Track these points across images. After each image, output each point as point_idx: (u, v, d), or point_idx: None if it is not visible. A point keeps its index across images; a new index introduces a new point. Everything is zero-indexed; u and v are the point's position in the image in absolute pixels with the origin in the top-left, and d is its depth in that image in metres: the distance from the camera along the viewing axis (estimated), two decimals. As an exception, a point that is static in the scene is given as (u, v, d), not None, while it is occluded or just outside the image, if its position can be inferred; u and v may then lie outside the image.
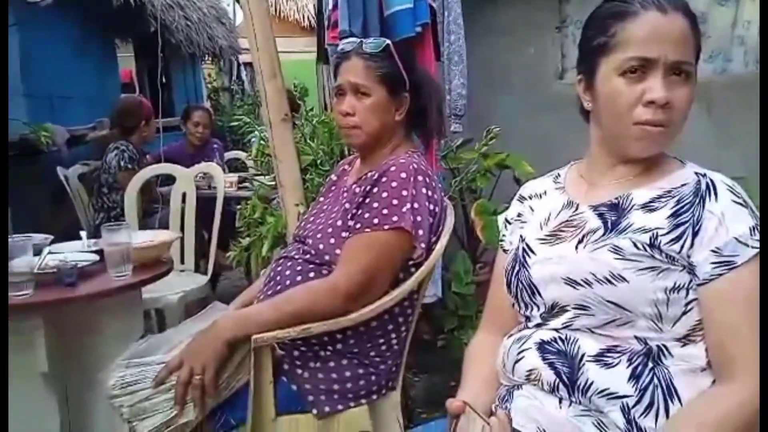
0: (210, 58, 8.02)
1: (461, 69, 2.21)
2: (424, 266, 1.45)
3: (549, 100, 3.16)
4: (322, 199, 1.71)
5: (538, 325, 1.05)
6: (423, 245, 1.44)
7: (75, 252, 2.08)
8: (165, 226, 3.12)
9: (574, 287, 0.99)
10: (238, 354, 1.37)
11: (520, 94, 3.17)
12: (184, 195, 3.10)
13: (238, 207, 2.61)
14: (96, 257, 1.92)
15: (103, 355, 1.94)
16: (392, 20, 2.10)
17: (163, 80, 5.53)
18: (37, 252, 1.92)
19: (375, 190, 1.44)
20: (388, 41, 1.56)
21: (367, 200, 1.45)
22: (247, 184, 3.88)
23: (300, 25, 12.16)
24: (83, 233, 2.31)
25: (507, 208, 2.30)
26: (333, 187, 1.71)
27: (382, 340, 1.49)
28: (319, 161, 2.22)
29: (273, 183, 2.52)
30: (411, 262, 1.46)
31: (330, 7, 2.14)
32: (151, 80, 6.81)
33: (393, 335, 1.51)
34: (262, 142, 2.43)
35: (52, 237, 2.17)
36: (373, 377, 1.47)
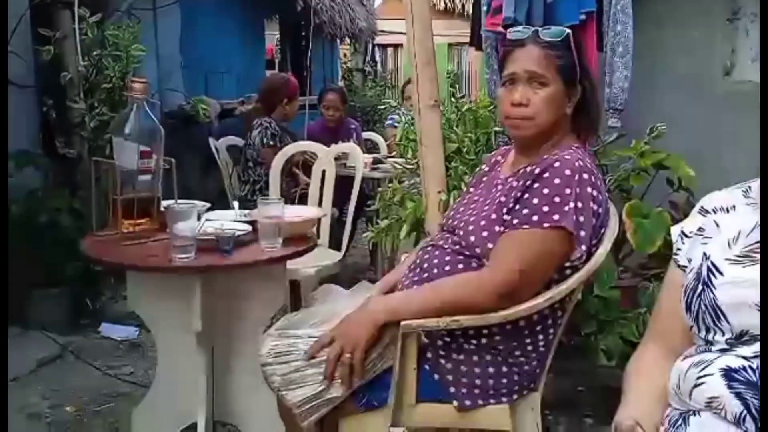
0: (348, 40, 8.17)
1: (625, 60, 2.09)
2: (583, 271, 1.39)
3: (715, 98, 2.93)
4: (472, 189, 1.68)
5: (722, 351, 0.96)
6: (584, 248, 1.38)
7: (229, 221, 2.20)
8: (303, 201, 3.24)
9: None
10: (386, 337, 1.39)
11: (683, 89, 2.95)
12: (323, 173, 3.20)
13: (379, 189, 2.64)
14: (249, 228, 2.01)
15: (249, 320, 2.06)
16: (555, 6, 2.02)
17: (309, 60, 5.73)
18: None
19: (536, 185, 1.39)
20: (569, 30, 1.49)
21: (526, 195, 1.40)
22: (380, 165, 3.95)
23: (435, 7, 12.12)
24: (235, 203, 2.44)
25: (660, 211, 2.16)
26: (484, 178, 1.67)
27: (528, 340, 1.45)
28: (465, 149, 2.19)
29: (411, 167, 2.53)
30: (567, 264, 1.40)
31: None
32: (293, 58, 7.06)
33: (540, 336, 1.46)
34: (407, 126, 2.43)
35: (209, 204, 2.30)
36: (516, 376, 1.44)
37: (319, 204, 3.12)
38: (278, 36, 7.70)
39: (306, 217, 2.15)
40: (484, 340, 1.43)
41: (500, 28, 2.01)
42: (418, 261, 1.58)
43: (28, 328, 2.86)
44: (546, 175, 1.39)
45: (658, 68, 2.88)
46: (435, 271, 1.50)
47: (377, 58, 10.89)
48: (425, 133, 2.22)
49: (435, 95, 2.21)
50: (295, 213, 2.16)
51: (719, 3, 2.93)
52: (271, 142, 3.70)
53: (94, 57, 3.08)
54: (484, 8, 2.16)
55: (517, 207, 1.41)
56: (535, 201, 1.38)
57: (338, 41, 8.23)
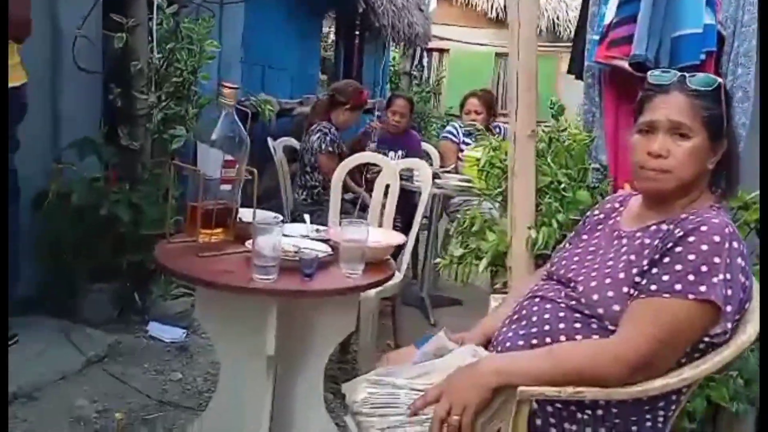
0: (404, 44, 8.06)
1: (745, 107, 1.94)
2: (728, 352, 1.25)
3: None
4: (585, 237, 1.55)
5: None
6: (728, 325, 1.24)
7: (303, 236, 2.10)
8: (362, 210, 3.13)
9: None
10: (497, 400, 1.27)
11: None
12: (387, 187, 3.08)
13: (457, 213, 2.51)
14: (330, 250, 1.90)
15: (316, 345, 1.94)
16: (677, 43, 1.88)
17: (362, 61, 5.64)
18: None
19: (678, 249, 1.26)
20: (719, 80, 1.37)
21: (666, 259, 1.27)
22: (436, 181, 3.82)
23: (487, 16, 11.95)
24: (306, 217, 2.34)
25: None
26: (599, 226, 1.54)
27: (648, 416, 1.32)
28: (561, 186, 2.06)
29: (491, 193, 2.40)
30: (706, 339, 1.27)
31: (609, 19, 1.94)
32: (346, 59, 6.97)
33: (660, 413, 1.33)
34: (492, 153, 2.31)
35: (281, 218, 2.20)
36: (628, 453, 1.31)
37: (380, 220, 3.00)
38: (333, 35, 7.62)
39: (388, 244, 2.03)
40: (599, 412, 1.30)
41: (621, 63, 1.88)
42: (524, 312, 1.46)
43: (77, 322, 2.79)
44: (691, 239, 1.26)
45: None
46: (547, 327, 1.38)
47: (425, 62, 10.75)
48: (519, 163, 2.10)
49: (533, 124, 2.09)
50: (375, 236, 2.05)
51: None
52: (330, 149, 3.61)
53: (167, 49, 3.00)
54: (596, 37, 2.03)
55: (655, 271, 1.28)
56: (679, 267, 1.25)
57: (391, 44, 8.12)
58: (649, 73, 1.44)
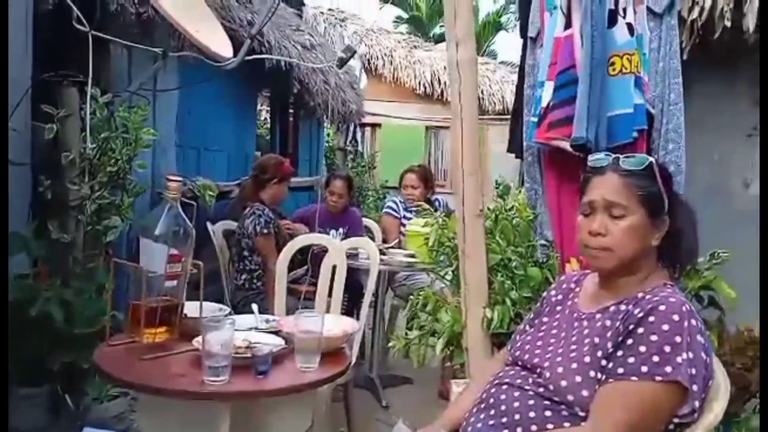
0: (338, 122, 8.19)
1: (678, 180, 2.03)
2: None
3: (732, 213, 2.92)
4: (546, 320, 1.55)
5: None
6: (696, 403, 1.25)
7: (252, 329, 2.02)
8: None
9: None
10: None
11: (701, 203, 2.94)
12: (333, 268, 3.03)
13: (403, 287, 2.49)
14: (283, 343, 1.83)
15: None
16: (612, 123, 1.97)
17: (297, 140, 5.67)
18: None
19: (640, 330, 1.27)
20: (651, 159, 1.42)
21: (630, 341, 1.27)
22: (381, 257, 3.80)
23: (415, 91, 12.40)
24: (254, 306, 2.25)
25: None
26: (558, 308, 1.55)
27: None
28: (513, 263, 2.07)
29: (441, 271, 2.40)
30: (676, 421, 1.27)
31: (546, 101, 2.02)
32: (281, 137, 7.00)
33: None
34: (440, 231, 2.31)
35: (229, 309, 2.12)
36: None
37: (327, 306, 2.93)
38: (267, 113, 7.67)
39: (344, 332, 1.97)
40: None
41: (563, 144, 1.94)
42: (491, 401, 1.42)
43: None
44: (651, 319, 1.27)
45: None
46: (517, 416, 1.35)
47: (358, 137, 10.95)
48: (469, 243, 2.11)
49: (480, 204, 2.12)
50: (329, 324, 1.99)
51: (740, 117, 2.97)
52: (266, 230, 3.55)
53: (101, 138, 2.92)
54: (534, 119, 2.10)
55: (620, 353, 1.28)
56: (642, 349, 1.25)
57: (325, 122, 8.24)
58: (589, 157, 1.49)
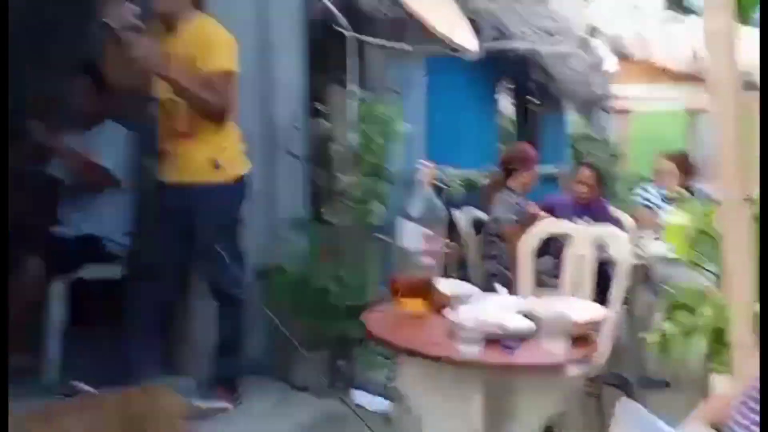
0: (582, 108, 7.91)
1: None
2: None
3: None
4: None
5: None
6: None
7: (501, 308, 2.10)
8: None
9: None
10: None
11: None
12: (579, 258, 2.97)
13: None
14: (532, 324, 1.88)
15: (521, 424, 1.90)
16: None
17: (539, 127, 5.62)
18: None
19: None
20: None
21: None
22: (635, 251, 3.60)
23: (671, 71, 11.36)
24: (502, 288, 2.33)
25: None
26: None
27: None
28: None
29: (702, 262, 2.25)
30: None
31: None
32: (523, 125, 6.98)
33: None
34: (701, 219, 2.17)
35: (477, 289, 2.24)
36: None
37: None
38: (510, 104, 7.70)
39: (591, 317, 1.97)
40: None
41: None
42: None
43: (293, 387, 3.04)
44: None
45: None
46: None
47: (605, 123, 10.39)
48: (731, 231, 1.95)
49: (747, 188, 1.94)
50: (576, 309, 1.99)
51: None
52: (515, 218, 3.61)
53: (362, 132, 3.27)
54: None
55: None
56: None
57: (570, 109, 7.99)
58: None
